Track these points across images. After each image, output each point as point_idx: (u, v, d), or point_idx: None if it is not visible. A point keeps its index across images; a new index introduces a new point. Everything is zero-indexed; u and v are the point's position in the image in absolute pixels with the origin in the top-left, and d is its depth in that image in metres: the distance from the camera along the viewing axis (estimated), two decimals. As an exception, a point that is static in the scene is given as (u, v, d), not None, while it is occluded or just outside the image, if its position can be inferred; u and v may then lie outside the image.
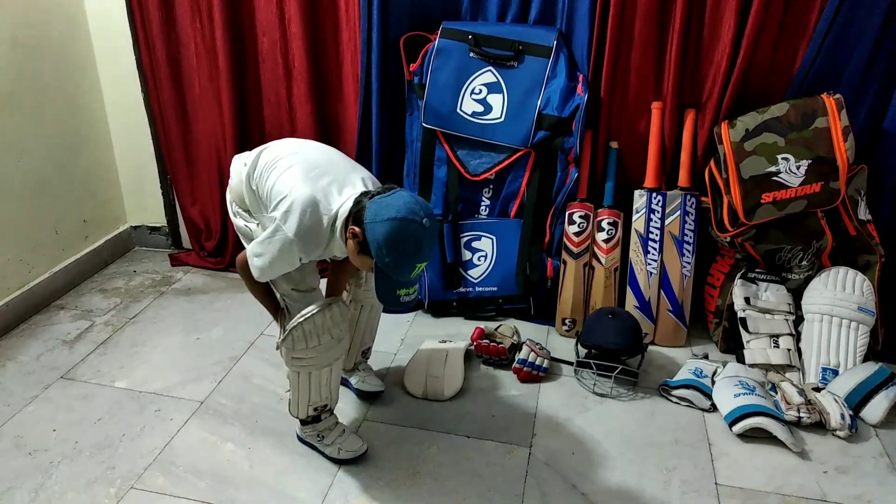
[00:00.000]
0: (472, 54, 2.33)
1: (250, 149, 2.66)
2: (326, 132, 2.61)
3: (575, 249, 2.40)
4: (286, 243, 1.55)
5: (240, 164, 1.74)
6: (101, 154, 2.92)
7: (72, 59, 2.70)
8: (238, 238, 1.97)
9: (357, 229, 1.51)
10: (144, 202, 3.05)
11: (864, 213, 2.21)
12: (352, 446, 1.86)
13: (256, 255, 1.60)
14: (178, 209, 3.00)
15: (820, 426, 1.98)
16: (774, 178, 2.12)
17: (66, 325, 2.55)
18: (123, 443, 1.95)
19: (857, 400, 2.02)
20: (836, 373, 2.13)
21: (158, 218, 3.07)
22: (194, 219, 2.91)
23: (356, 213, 1.52)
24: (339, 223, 1.58)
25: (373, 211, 1.48)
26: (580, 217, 2.39)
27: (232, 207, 1.82)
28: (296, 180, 1.57)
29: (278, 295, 1.79)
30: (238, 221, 1.82)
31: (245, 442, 1.95)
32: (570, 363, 2.27)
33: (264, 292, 1.78)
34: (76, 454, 1.90)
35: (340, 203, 1.58)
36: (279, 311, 1.80)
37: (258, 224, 1.74)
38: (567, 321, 2.46)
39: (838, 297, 2.18)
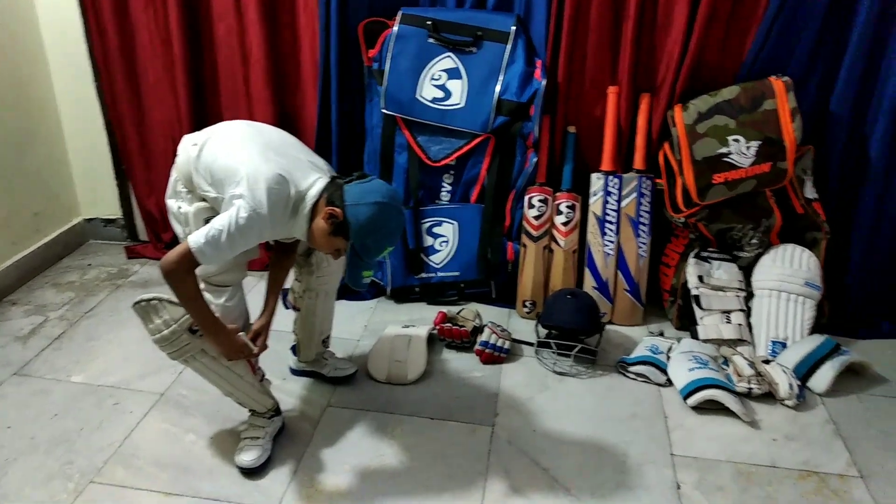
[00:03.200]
0: (431, 40, 2.34)
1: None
2: (285, 119, 2.59)
3: (535, 233, 2.44)
4: (255, 220, 1.50)
5: (188, 144, 1.68)
6: (53, 145, 2.85)
7: (20, 48, 2.62)
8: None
9: (337, 210, 1.53)
10: (98, 194, 2.99)
11: (810, 192, 2.29)
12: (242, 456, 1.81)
13: (215, 232, 1.49)
14: (133, 200, 2.95)
15: (770, 396, 2.06)
16: (725, 159, 2.18)
17: (18, 321, 2.48)
18: (82, 437, 1.91)
19: (805, 370, 2.11)
20: (784, 345, 2.21)
21: (113, 210, 3.01)
22: (151, 210, 2.87)
23: (331, 195, 1.56)
24: (307, 204, 1.59)
25: (355, 194, 1.54)
26: (539, 201, 2.42)
27: (175, 186, 1.72)
28: (256, 158, 1.55)
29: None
30: (172, 203, 1.72)
31: (207, 432, 1.94)
32: (531, 344, 2.31)
33: (202, 301, 1.60)
34: (32, 450, 1.86)
35: (309, 184, 1.59)
36: (214, 327, 1.65)
37: (196, 206, 1.67)
38: (528, 303, 2.50)
39: (786, 273, 2.26)
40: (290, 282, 2.04)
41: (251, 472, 1.79)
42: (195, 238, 1.50)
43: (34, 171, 2.76)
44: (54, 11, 2.65)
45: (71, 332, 2.42)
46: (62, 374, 2.19)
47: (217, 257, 1.54)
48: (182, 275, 1.55)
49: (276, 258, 1.85)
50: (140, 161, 2.79)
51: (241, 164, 1.55)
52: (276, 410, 1.91)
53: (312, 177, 1.61)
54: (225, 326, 1.67)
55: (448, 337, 2.29)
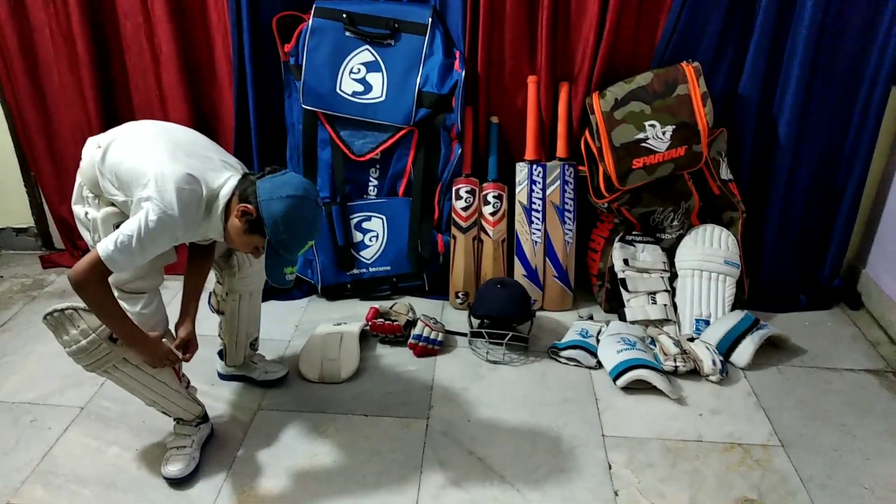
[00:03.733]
0: (347, 33, 2.30)
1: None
2: (202, 118, 2.51)
3: (463, 224, 2.44)
4: (166, 222, 1.44)
5: (92, 147, 1.61)
6: (-47, 154, 2.69)
7: None
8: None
9: (250, 206, 1.50)
10: (7, 203, 2.84)
11: (725, 173, 2.37)
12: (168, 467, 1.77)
13: (125, 238, 1.42)
14: (45, 208, 2.81)
15: (695, 373, 2.12)
16: (643, 145, 2.23)
17: (-77, 340, 2.34)
18: (-4, 458, 1.83)
19: (727, 346, 2.18)
20: (708, 323, 2.29)
21: (25, 218, 2.87)
22: (64, 217, 2.75)
23: (243, 192, 1.52)
24: (220, 203, 1.54)
25: (268, 189, 1.50)
26: (466, 192, 2.43)
27: (81, 192, 1.65)
28: (164, 159, 1.50)
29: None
30: (79, 209, 1.66)
31: (131, 444, 1.87)
32: (464, 334, 2.32)
33: (119, 311, 1.54)
34: (-58, 475, 1.77)
35: (221, 182, 1.55)
36: (134, 337, 1.59)
37: (104, 212, 1.62)
38: (460, 294, 2.50)
39: (707, 252, 2.34)
40: (213, 285, 1.99)
41: (179, 483, 1.74)
42: (105, 245, 1.44)
43: (-66, 181, 2.61)
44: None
45: (-18, 349, 2.30)
46: (-26, 394, 2.08)
47: (129, 263, 1.48)
48: (94, 285, 1.47)
49: (191, 261, 1.79)
50: (49, 167, 2.67)
51: (148, 165, 1.48)
52: (204, 417, 1.86)
53: (224, 175, 1.56)
54: (146, 334, 1.61)
55: (381, 332, 2.28)
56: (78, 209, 1.67)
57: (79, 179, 1.66)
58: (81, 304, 1.54)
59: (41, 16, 2.41)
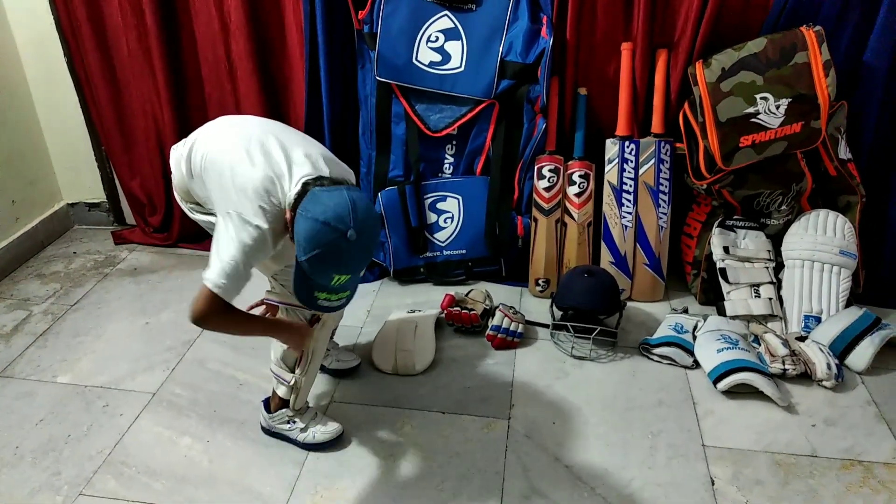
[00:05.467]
0: (425, -2, 2.14)
1: (189, 113, 2.45)
2: (272, 91, 2.40)
3: (546, 205, 2.27)
4: (258, 236, 1.37)
5: (178, 156, 1.57)
6: (26, 127, 2.67)
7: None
8: (183, 213, 1.76)
9: (289, 215, 1.38)
10: (80, 177, 2.82)
11: (844, 152, 2.11)
12: (328, 428, 1.74)
13: (229, 266, 1.37)
14: (117, 183, 2.78)
15: (805, 377, 1.91)
16: (753, 120, 2.00)
17: (1, 316, 2.34)
18: (69, 444, 1.79)
19: (842, 347, 1.96)
20: (818, 320, 2.06)
21: (97, 193, 2.85)
22: (135, 192, 2.70)
23: (297, 199, 1.38)
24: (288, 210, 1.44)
25: (307, 202, 1.34)
26: (550, 171, 2.24)
27: (184, 206, 1.64)
28: (243, 166, 1.42)
29: (268, 277, 1.63)
30: (198, 217, 1.64)
31: (203, 435, 1.81)
32: (546, 326, 2.16)
33: (248, 319, 1.55)
34: (17, 460, 1.75)
35: (291, 185, 1.43)
36: (272, 327, 1.63)
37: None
38: (541, 281, 2.34)
39: (819, 241, 2.10)
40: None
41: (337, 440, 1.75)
42: (213, 279, 1.37)
43: (7, 155, 2.59)
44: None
45: (56, 327, 2.28)
46: (48, 374, 2.06)
47: (239, 288, 1.41)
48: (218, 316, 1.42)
49: None
50: (120, 141, 2.61)
51: (227, 191, 1.42)
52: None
53: (297, 175, 1.42)
54: (284, 322, 1.61)
55: (457, 322, 2.15)
56: (199, 217, 1.66)
57: (176, 193, 1.67)
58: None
59: (109, -15, 2.33)
